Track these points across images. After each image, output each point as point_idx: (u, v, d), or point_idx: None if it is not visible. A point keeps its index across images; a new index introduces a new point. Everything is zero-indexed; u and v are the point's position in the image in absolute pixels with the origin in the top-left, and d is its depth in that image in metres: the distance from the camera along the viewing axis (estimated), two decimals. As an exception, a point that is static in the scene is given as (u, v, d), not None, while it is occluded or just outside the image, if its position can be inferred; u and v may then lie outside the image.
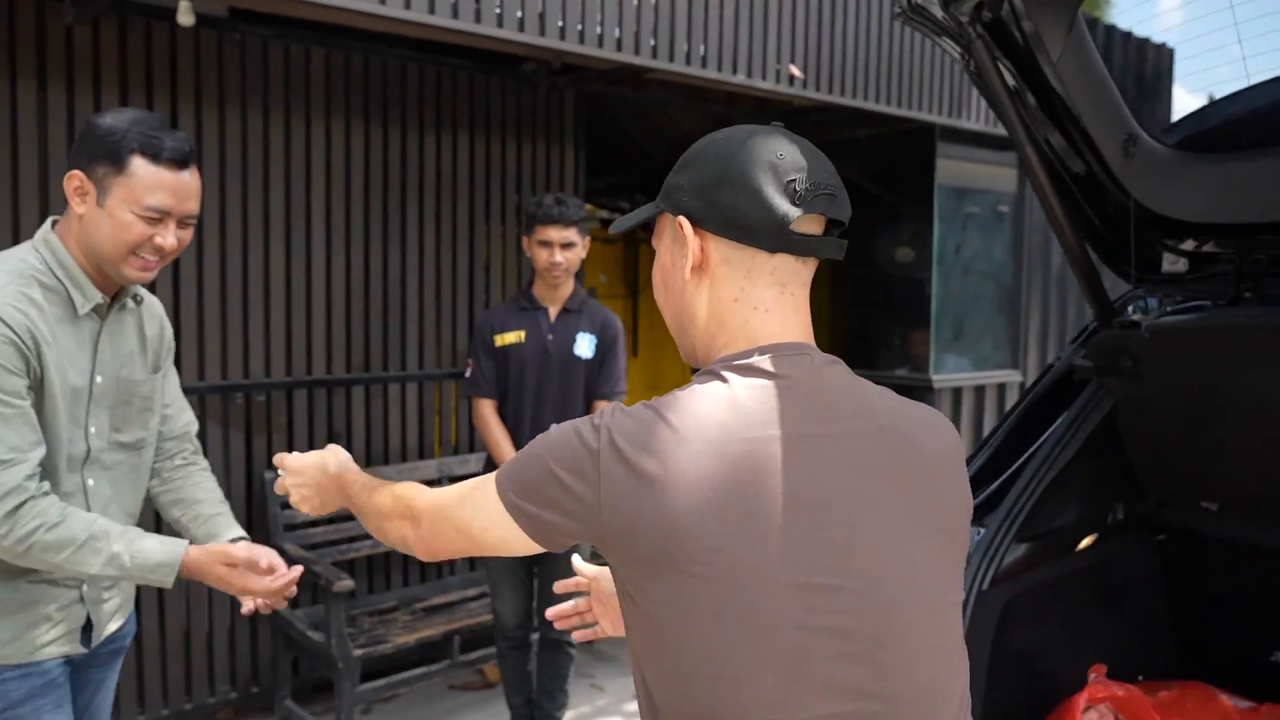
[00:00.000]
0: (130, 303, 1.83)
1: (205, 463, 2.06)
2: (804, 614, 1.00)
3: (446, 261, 4.17)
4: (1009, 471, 2.08)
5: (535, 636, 3.47)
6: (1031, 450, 2.07)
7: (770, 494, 1.02)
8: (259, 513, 3.68)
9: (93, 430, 1.74)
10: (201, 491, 1.99)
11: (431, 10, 3.19)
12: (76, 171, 1.68)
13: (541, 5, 3.42)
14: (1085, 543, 2.15)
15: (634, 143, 6.35)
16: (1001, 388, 5.42)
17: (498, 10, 3.34)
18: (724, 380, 1.09)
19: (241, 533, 1.93)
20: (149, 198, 1.66)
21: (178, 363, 2.23)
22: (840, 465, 1.05)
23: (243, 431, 3.64)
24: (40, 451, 1.62)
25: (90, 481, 1.75)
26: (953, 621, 1.09)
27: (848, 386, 1.12)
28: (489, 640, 3.70)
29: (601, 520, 1.06)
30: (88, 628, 1.79)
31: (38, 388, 1.64)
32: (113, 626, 1.86)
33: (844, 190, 1.15)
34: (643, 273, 6.30)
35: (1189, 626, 2.32)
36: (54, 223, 1.76)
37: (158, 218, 1.68)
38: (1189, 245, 2.03)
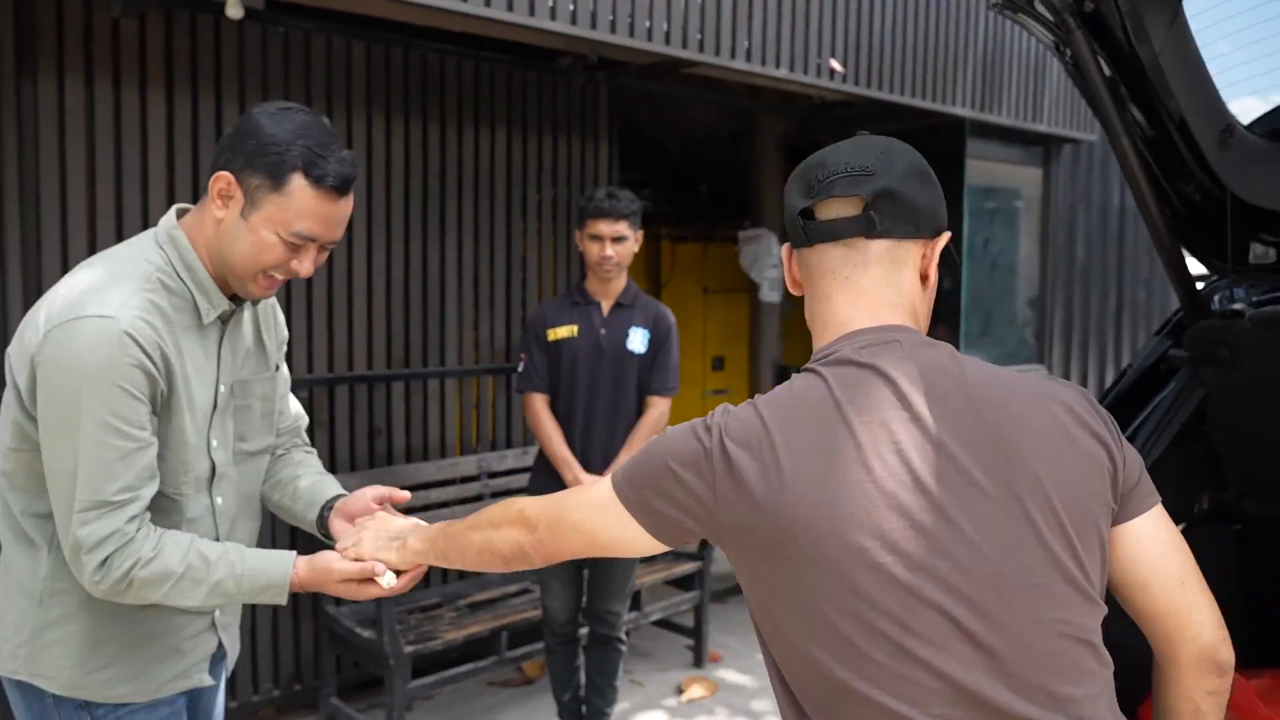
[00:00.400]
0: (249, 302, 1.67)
1: (310, 448, 1.92)
2: (906, 593, 1.04)
3: (485, 256, 4.15)
4: None
5: (583, 632, 3.46)
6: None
7: (867, 477, 1.07)
8: (302, 510, 3.66)
9: (215, 444, 1.59)
10: (300, 468, 1.82)
11: (488, 3, 3.16)
12: (227, 174, 1.49)
13: None
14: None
15: (649, 137, 6.34)
16: (1027, 382, 5.45)
17: (551, 3, 3.31)
18: (815, 373, 1.16)
19: (340, 490, 1.76)
20: (299, 223, 1.48)
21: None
22: (934, 445, 1.08)
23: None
24: (153, 487, 1.46)
25: (219, 500, 1.61)
26: (1058, 596, 1.06)
27: (944, 366, 1.13)
28: (532, 636, 3.68)
29: (719, 515, 1.12)
30: (219, 655, 1.68)
31: (164, 409, 1.48)
32: (234, 652, 1.75)
33: (880, 164, 1.17)
34: (664, 267, 6.29)
35: (1264, 617, 2.32)
36: (179, 212, 1.58)
37: (301, 244, 1.51)
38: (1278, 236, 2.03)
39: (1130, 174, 2.00)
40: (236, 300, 1.61)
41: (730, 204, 8.31)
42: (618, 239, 3.13)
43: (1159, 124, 1.97)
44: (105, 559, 1.41)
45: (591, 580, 3.33)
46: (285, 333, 1.82)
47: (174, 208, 1.60)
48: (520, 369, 3.25)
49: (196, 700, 1.71)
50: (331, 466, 3.67)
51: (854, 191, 1.15)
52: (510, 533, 1.35)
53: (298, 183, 1.48)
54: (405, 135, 3.86)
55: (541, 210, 4.33)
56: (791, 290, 1.29)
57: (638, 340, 3.22)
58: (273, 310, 1.77)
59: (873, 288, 1.17)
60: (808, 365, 1.19)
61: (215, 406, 1.59)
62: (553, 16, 3.35)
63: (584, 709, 3.45)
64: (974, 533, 1.05)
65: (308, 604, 3.70)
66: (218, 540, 1.59)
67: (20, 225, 3.05)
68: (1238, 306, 1.97)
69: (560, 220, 4.42)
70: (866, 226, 1.16)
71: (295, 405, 1.89)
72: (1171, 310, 6.53)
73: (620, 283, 3.23)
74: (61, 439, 1.40)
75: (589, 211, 3.13)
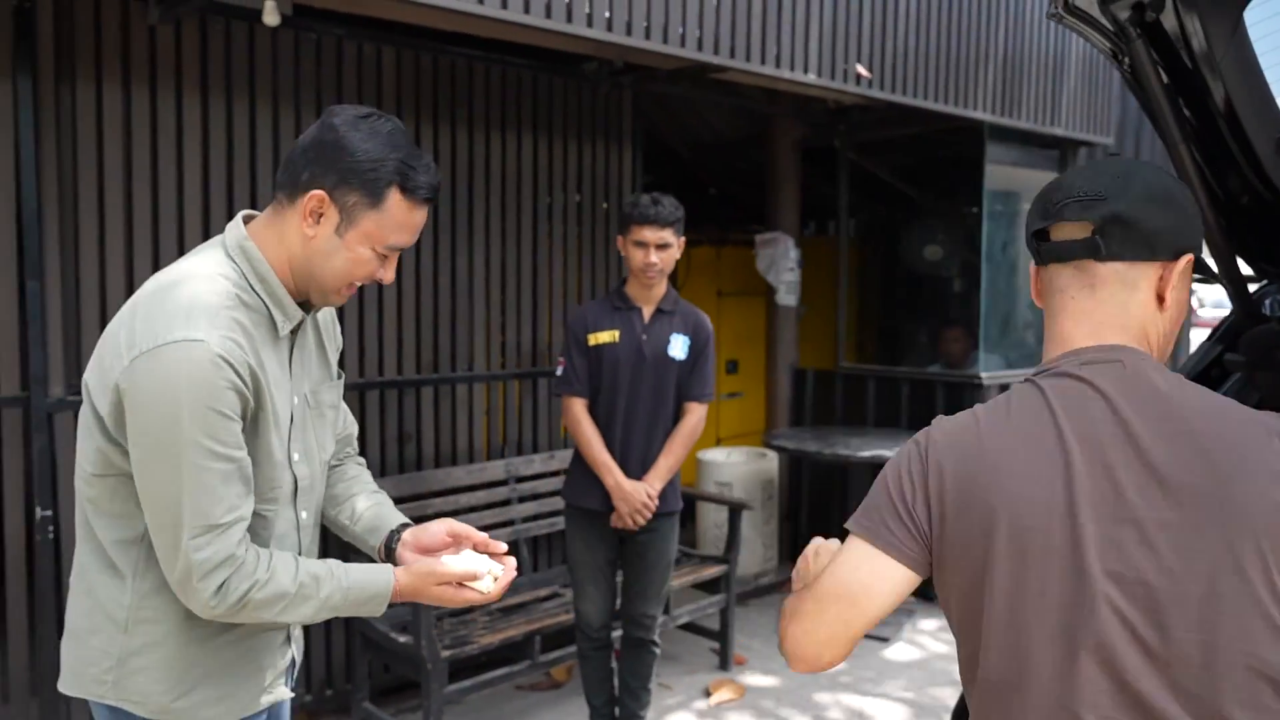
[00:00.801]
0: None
1: (360, 459, 1.92)
2: (1089, 593, 1.08)
3: (511, 261, 4.16)
4: None
5: (615, 635, 3.47)
6: None
7: (1069, 482, 1.11)
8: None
9: (296, 457, 1.57)
10: (355, 484, 1.81)
11: (527, 9, 3.17)
12: (320, 193, 1.46)
13: (609, 4, 3.39)
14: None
15: (660, 142, 6.36)
16: (1044, 384, 5.46)
17: (586, 9, 3.32)
18: (1033, 384, 1.21)
19: (405, 519, 1.74)
20: (394, 236, 1.50)
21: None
22: (1141, 463, 1.10)
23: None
24: (251, 504, 1.46)
25: (303, 515, 1.61)
26: (1249, 628, 1.04)
27: (1162, 389, 1.15)
28: (562, 641, 3.69)
29: (946, 524, 1.17)
30: (291, 667, 1.71)
31: (251, 427, 1.47)
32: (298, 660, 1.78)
33: (1113, 188, 1.19)
34: (680, 270, 6.29)
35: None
36: (245, 219, 1.55)
37: (389, 255, 1.53)
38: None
39: (1186, 179, 2.01)
40: (304, 308, 1.59)
41: (740, 207, 8.35)
42: (662, 245, 3.12)
43: (1214, 130, 1.99)
44: (222, 583, 1.40)
45: (628, 584, 3.34)
46: (341, 339, 1.81)
47: (240, 215, 1.57)
48: (559, 372, 3.26)
49: (276, 714, 1.72)
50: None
51: (1084, 217, 1.19)
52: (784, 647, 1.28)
53: (394, 198, 1.48)
54: (434, 139, 3.87)
55: (566, 215, 4.35)
56: (1036, 302, 1.32)
57: (679, 347, 3.23)
58: (330, 317, 1.76)
59: (1099, 309, 1.20)
60: (1027, 377, 1.23)
61: (293, 419, 1.57)
62: (589, 23, 3.35)
63: (618, 711, 3.45)
64: (1169, 551, 1.06)
65: (339, 608, 3.71)
66: (300, 554, 1.58)
67: (59, 228, 3.06)
68: (1298, 312, 1.99)
69: (585, 225, 4.43)
70: (1093, 250, 1.18)
71: (347, 412, 1.87)
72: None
73: (661, 288, 3.24)
74: (161, 466, 1.38)
75: (634, 218, 3.11)
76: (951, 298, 5.97)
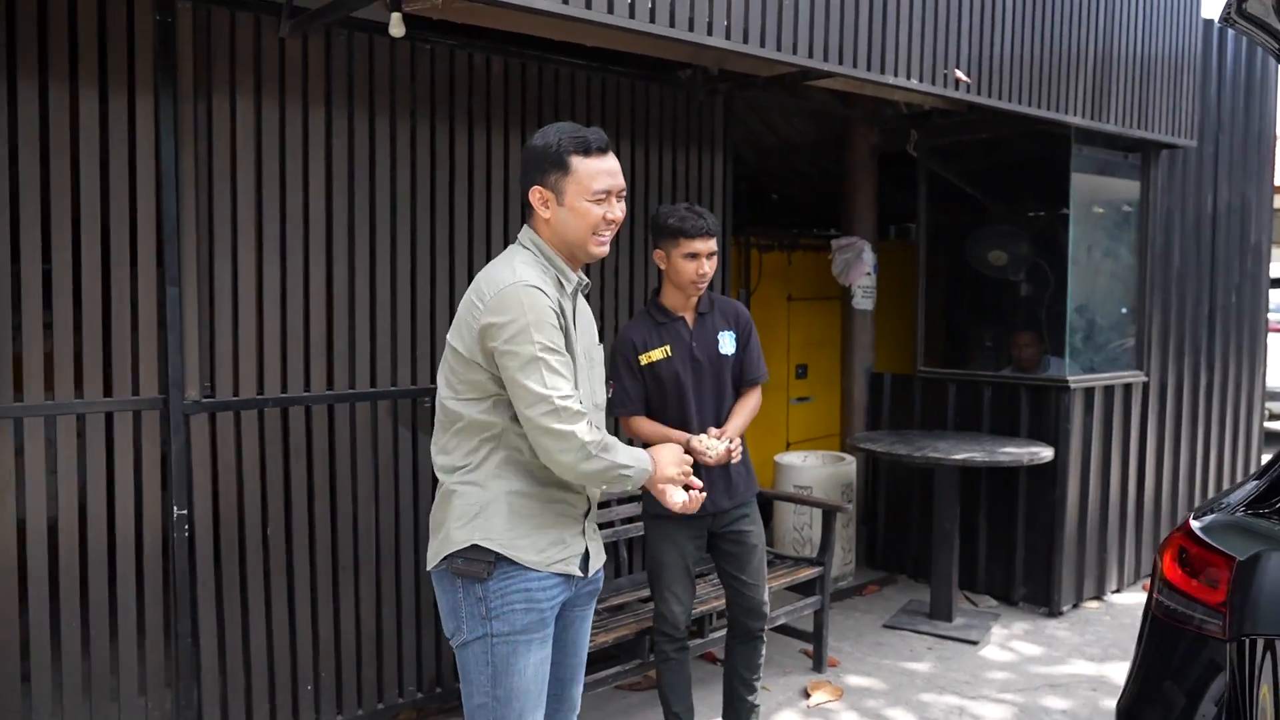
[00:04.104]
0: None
1: None
2: None
3: (610, 265, 4.22)
4: None
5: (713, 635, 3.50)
6: None
7: None
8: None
9: (583, 389, 2.18)
10: None
11: (631, 14, 3.21)
12: (536, 187, 2.17)
13: (710, 8, 3.38)
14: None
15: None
16: (1128, 388, 5.44)
17: (689, 15, 3.34)
18: None
19: None
20: (594, 184, 2.13)
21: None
22: None
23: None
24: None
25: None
26: None
27: None
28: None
29: None
30: (585, 558, 2.27)
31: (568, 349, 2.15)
32: (595, 565, 2.34)
33: None
34: (752, 274, 6.33)
35: None
36: (527, 227, 2.25)
37: (604, 198, 2.14)
38: None
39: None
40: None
41: (803, 212, 8.38)
42: (711, 255, 3.18)
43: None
44: (589, 425, 2.10)
45: (730, 577, 3.38)
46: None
47: (525, 226, 2.26)
48: (610, 395, 3.16)
49: (566, 627, 2.34)
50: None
51: None
52: None
53: (576, 160, 2.14)
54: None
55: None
56: None
57: (727, 343, 3.31)
58: (584, 306, 2.41)
59: None
60: None
61: (575, 364, 2.17)
62: (690, 28, 3.37)
63: (732, 704, 3.49)
64: None
65: (450, 607, 3.78)
66: None
67: (196, 237, 3.15)
68: None
69: (662, 237, 4.47)
70: None
71: None
72: (1259, 314, 6.45)
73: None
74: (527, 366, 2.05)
75: (685, 231, 3.14)
76: (1024, 303, 5.96)
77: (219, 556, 3.27)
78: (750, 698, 3.47)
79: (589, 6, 2.93)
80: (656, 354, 3.24)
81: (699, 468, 3.12)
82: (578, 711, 2.46)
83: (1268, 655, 1.93)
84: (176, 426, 3.13)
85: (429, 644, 3.76)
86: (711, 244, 3.19)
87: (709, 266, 3.18)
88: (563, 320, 2.11)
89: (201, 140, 3.15)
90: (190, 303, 3.15)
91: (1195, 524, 2.25)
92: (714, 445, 3.05)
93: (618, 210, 2.17)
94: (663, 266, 3.24)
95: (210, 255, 3.20)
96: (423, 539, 3.69)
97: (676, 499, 2.26)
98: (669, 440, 3.08)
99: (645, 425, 3.26)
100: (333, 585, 3.51)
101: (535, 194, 2.16)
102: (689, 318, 3.29)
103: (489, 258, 3.79)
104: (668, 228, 3.20)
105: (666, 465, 2.24)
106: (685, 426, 3.23)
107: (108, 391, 3.05)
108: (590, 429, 2.07)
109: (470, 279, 3.76)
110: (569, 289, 2.22)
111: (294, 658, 3.43)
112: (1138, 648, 2.40)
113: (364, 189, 3.50)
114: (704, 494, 2.34)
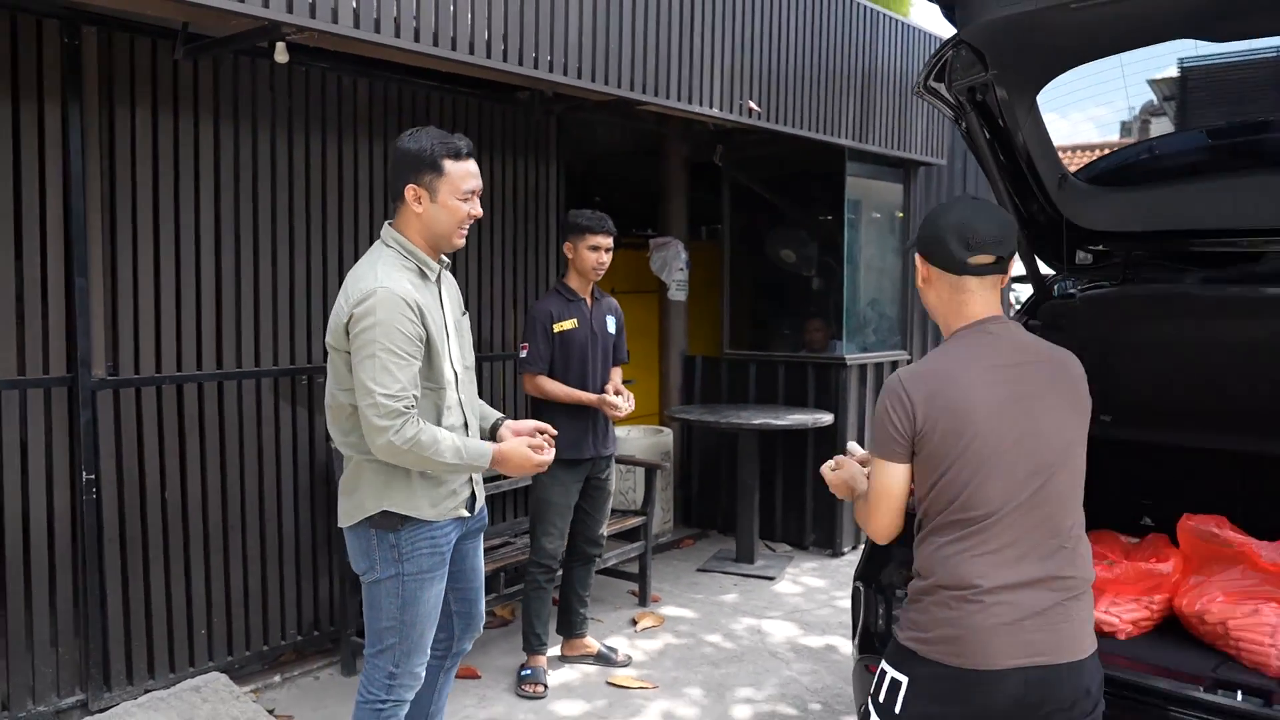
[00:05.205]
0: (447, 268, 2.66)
1: None
2: (1013, 457, 1.88)
3: (474, 261, 4.84)
4: None
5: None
6: None
7: (990, 398, 1.91)
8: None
9: (454, 354, 2.57)
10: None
11: (489, 55, 3.87)
12: (411, 185, 2.48)
13: (551, 48, 4.03)
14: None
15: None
16: (895, 364, 6.53)
17: (534, 54, 4.01)
18: (960, 338, 2.00)
19: (501, 415, 2.84)
20: (464, 184, 2.47)
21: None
22: (1029, 379, 1.95)
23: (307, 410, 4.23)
24: (416, 390, 2.44)
25: (462, 396, 2.64)
26: (1081, 459, 1.97)
27: (1026, 339, 2.02)
28: (513, 580, 4.40)
29: (925, 424, 1.91)
30: (472, 501, 2.67)
31: (425, 339, 2.45)
32: (480, 504, 2.75)
33: (1008, 232, 2.01)
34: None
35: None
36: (389, 223, 2.56)
37: (470, 197, 2.50)
38: (1095, 246, 3.06)
39: (1002, 204, 2.97)
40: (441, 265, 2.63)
41: (623, 214, 9.16)
42: (608, 249, 4.03)
43: (1019, 172, 2.96)
44: (404, 416, 2.38)
45: (585, 515, 4.19)
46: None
47: (386, 223, 2.58)
48: (524, 354, 4.00)
49: (464, 557, 2.76)
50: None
51: (996, 252, 1.97)
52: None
53: (449, 163, 2.46)
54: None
55: (504, 226, 5.06)
56: (920, 284, 2.07)
57: (612, 325, 4.19)
58: (450, 279, 2.76)
59: (990, 297, 1.99)
60: (953, 334, 2.01)
61: (447, 333, 2.54)
62: (534, 66, 4.06)
63: (569, 618, 4.30)
64: (1051, 422, 1.92)
65: (325, 555, 4.31)
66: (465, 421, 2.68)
67: (101, 233, 3.57)
68: (1071, 292, 2.98)
69: (520, 233, 5.14)
70: (1000, 270, 1.99)
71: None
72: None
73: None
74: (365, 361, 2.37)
75: (591, 228, 3.99)
76: (813, 294, 6.98)
77: (123, 518, 3.69)
78: (583, 610, 4.31)
79: (436, 44, 3.56)
80: (567, 324, 4.04)
81: (594, 420, 4.05)
82: (483, 622, 2.95)
83: None
84: (85, 401, 3.54)
85: (307, 594, 4.28)
86: (610, 241, 4.03)
87: (607, 258, 4.02)
88: (421, 314, 2.40)
89: (105, 148, 3.57)
90: (96, 291, 3.57)
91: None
92: (621, 403, 3.97)
93: (479, 208, 2.53)
94: (570, 256, 4.05)
95: (114, 249, 3.62)
96: (302, 501, 4.22)
97: (539, 460, 2.61)
98: (578, 400, 3.96)
99: (552, 385, 4.00)
100: (223, 543, 3.98)
101: (410, 191, 2.45)
102: (588, 301, 4.11)
103: (356, 252, 4.39)
104: (578, 225, 4.02)
105: (516, 467, 2.60)
106: (584, 385, 4.03)
107: (21, 370, 3.43)
108: (412, 423, 2.36)
109: (340, 271, 4.34)
110: (432, 276, 2.53)
111: (189, 607, 3.89)
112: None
113: (248, 191, 3.99)
114: (553, 449, 2.75)
